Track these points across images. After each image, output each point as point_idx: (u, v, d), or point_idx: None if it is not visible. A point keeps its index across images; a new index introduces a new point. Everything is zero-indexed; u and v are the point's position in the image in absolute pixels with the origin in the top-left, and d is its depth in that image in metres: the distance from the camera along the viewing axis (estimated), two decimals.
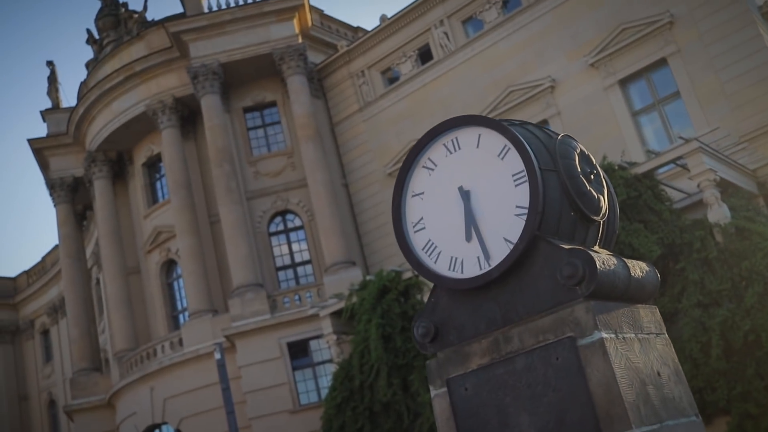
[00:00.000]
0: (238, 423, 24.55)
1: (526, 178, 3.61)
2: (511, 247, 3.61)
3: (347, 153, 33.79)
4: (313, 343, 29.08)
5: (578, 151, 3.81)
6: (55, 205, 40.16)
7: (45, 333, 52.83)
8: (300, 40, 33.40)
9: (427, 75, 31.63)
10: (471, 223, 3.76)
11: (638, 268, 3.79)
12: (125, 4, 38.24)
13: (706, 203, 17.75)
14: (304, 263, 32.46)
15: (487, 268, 3.68)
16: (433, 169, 3.97)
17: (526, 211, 3.59)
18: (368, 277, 23.82)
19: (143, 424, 31.98)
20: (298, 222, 32.91)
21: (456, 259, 3.80)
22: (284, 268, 32.37)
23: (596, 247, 3.87)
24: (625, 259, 3.73)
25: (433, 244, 3.89)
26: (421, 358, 20.37)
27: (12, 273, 63.85)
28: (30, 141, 39.59)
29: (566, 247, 3.53)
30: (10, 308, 54.46)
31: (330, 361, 26.24)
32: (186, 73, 33.12)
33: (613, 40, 26.79)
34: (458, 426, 3.71)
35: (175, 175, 32.80)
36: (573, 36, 27.95)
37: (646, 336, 3.68)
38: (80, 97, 37.57)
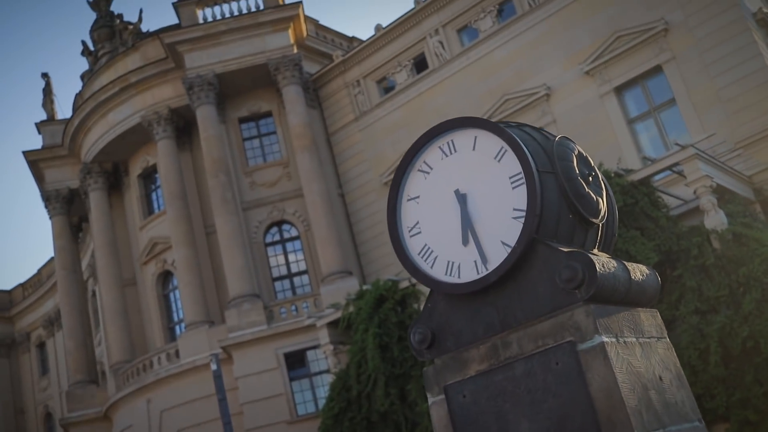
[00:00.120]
0: None
1: (523, 180, 3.55)
2: (509, 250, 3.55)
3: (343, 163, 33.75)
4: (310, 354, 28.99)
5: (576, 152, 3.75)
6: (50, 217, 40.07)
7: (41, 346, 52.65)
8: (295, 51, 33.39)
9: (422, 84, 31.62)
10: (468, 227, 3.70)
11: (638, 271, 3.73)
12: (120, 16, 38.22)
13: (703, 210, 17.71)
14: (300, 273, 32.37)
15: (485, 273, 3.62)
16: (428, 173, 3.91)
17: (523, 213, 3.53)
18: (365, 287, 23.74)
19: None
20: (294, 232, 32.83)
21: (453, 263, 3.74)
22: (281, 278, 32.28)
23: (595, 251, 3.82)
24: (625, 263, 3.67)
25: (429, 248, 3.83)
26: (419, 368, 20.29)
27: (7, 286, 63.55)
28: (25, 153, 39.54)
29: (565, 250, 3.47)
30: (5, 321, 54.28)
31: (327, 371, 26.14)
32: (181, 84, 33.09)
33: (608, 48, 26.80)
34: None
35: (170, 186, 32.73)
36: (568, 44, 27.96)
37: (648, 340, 3.61)
38: (75, 108, 37.51)
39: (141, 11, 37.78)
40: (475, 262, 3.66)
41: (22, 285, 55.21)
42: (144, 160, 35.74)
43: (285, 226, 32.96)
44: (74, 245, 41.32)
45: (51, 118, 41.99)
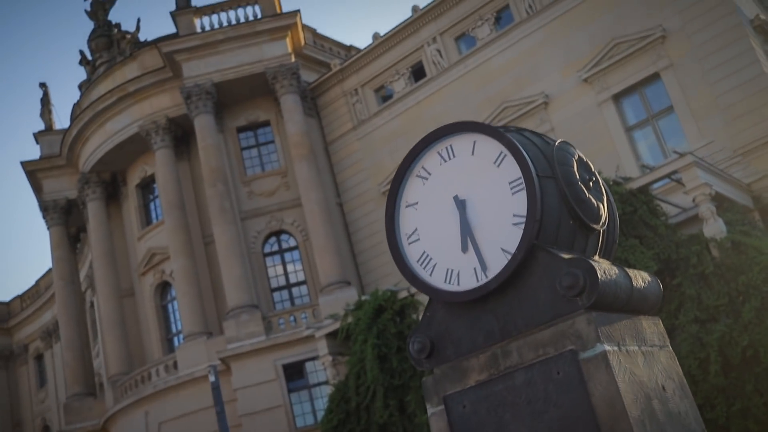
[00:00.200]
0: None
1: (523, 185, 3.49)
2: (509, 257, 3.48)
3: (341, 172, 33.72)
4: (308, 365, 28.90)
5: (576, 157, 3.69)
6: (48, 228, 39.99)
7: (39, 358, 52.49)
8: (293, 59, 33.40)
9: (420, 92, 31.62)
10: (467, 234, 3.63)
11: (640, 278, 3.66)
12: (118, 25, 38.25)
13: (702, 218, 17.65)
14: (299, 284, 32.30)
15: (485, 280, 3.55)
16: (427, 178, 3.85)
17: (523, 219, 3.46)
18: (363, 297, 23.65)
19: None
20: (292, 242, 32.77)
21: (452, 271, 3.66)
22: (279, 288, 32.21)
23: (596, 257, 3.75)
24: (626, 269, 3.60)
25: (428, 255, 3.76)
26: (418, 379, 20.18)
27: (5, 297, 63.36)
28: (23, 163, 39.49)
29: (566, 256, 3.40)
30: (3, 333, 54.11)
31: (326, 382, 26.03)
32: (179, 93, 33.08)
33: (606, 55, 26.81)
34: None
35: (168, 195, 32.68)
36: (566, 51, 27.97)
37: (650, 349, 3.54)
38: (73, 118, 37.49)
39: (139, 21, 37.79)
40: (475, 269, 3.59)
41: (20, 296, 55.06)
42: (142, 169, 35.70)
43: (283, 236, 32.90)
44: (72, 256, 41.24)
45: (49, 128, 41.92)
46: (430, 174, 3.84)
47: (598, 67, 26.91)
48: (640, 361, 3.41)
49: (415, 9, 32.18)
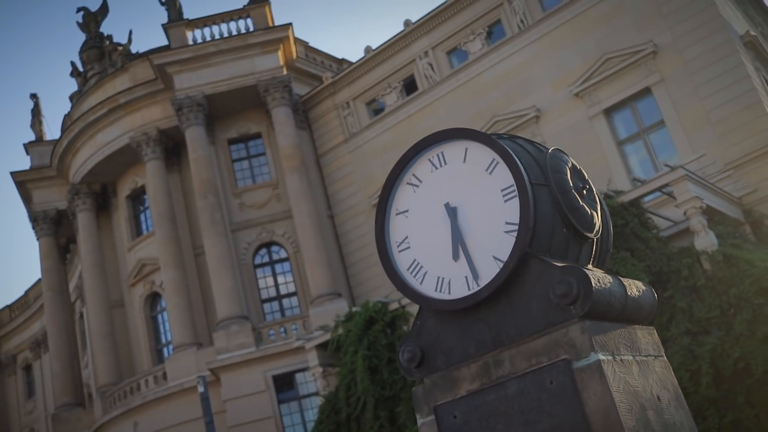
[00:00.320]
0: None
1: (515, 192, 3.44)
2: (501, 265, 3.43)
3: (332, 184, 33.68)
4: (299, 376, 28.79)
5: (570, 165, 3.65)
6: (37, 238, 39.86)
7: (27, 368, 52.22)
8: (285, 72, 33.40)
9: (412, 106, 31.63)
10: (458, 241, 3.58)
11: (635, 287, 3.62)
12: (110, 37, 38.21)
13: (693, 231, 17.66)
14: (289, 295, 32.21)
15: (476, 288, 3.50)
16: (417, 186, 3.80)
17: (516, 227, 3.42)
18: (354, 309, 23.58)
19: None
20: (283, 254, 32.70)
21: (443, 279, 3.61)
22: (269, 300, 32.11)
23: (590, 266, 3.70)
24: (621, 278, 3.56)
25: (418, 263, 3.71)
26: (409, 390, 20.11)
27: None
28: (13, 174, 39.39)
29: (559, 264, 3.35)
30: None
31: (316, 393, 25.93)
32: (170, 105, 33.03)
33: (597, 70, 26.89)
34: None
35: (159, 207, 32.60)
36: (557, 66, 28.03)
37: (645, 358, 3.50)
38: (64, 129, 37.41)
39: (130, 32, 37.73)
40: (466, 277, 3.54)
41: (8, 307, 54.82)
42: (132, 181, 35.61)
43: (274, 248, 32.83)
44: (62, 266, 41.09)
45: (39, 139, 41.83)
46: (421, 181, 3.80)
47: (590, 81, 26.98)
48: (634, 371, 3.36)
49: (407, 23, 32.22)
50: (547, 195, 3.51)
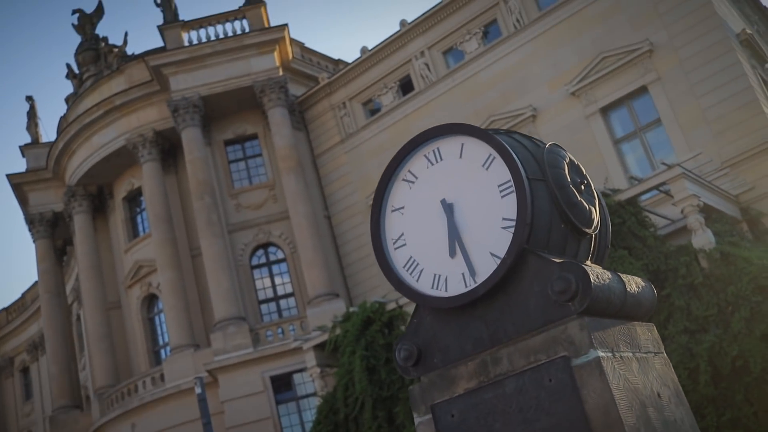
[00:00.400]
0: None
1: (513, 188, 3.40)
2: (498, 262, 3.39)
3: (329, 185, 33.64)
4: (296, 377, 28.75)
5: (567, 160, 3.60)
6: (34, 241, 39.80)
7: (25, 370, 52.14)
8: (281, 73, 33.36)
9: (408, 106, 31.59)
10: (455, 238, 3.53)
11: (634, 283, 3.57)
12: (105, 39, 38.14)
13: (690, 229, 17.63)
14: (286, 296, 32.16)
15: (473, 285, 3.45)
16: (413, 182, 3.76)
17: (513, 223, 3.37)
18: (351, 309, 23.54)
19: None
20: (280, 254, 32.66)
21: (439, 276, 3.57)
22: (267, 301, 32.07)
23: (588, 262, 3.66)
24: (620, 274, 3.51)
25: (414, 261, 3.66)
26: (407, 390, 19.98)
27: None
28: (9, 176, 39.29)
29: (557, 260, 3.31)
30: None
31: (314, 394, 25.87)
32: (166, 107, 32.97)
33: (593, 69, 26.86)
34: None
35: (155, 208, 32.54)
36: (553, 65, 28.01)
37: (644, 355, 3.45)
38: (60, 131, 37.35)
39: (126, 34, 37.66)
40: (463, 274, 3.49)
41: (5, 309, 54.73)
42: (129, 182, 35.55)
43: (271, 249, 32.78)
44: (58, 269, 41.01)
45: (35, 141, 41.74)
46: (416, 178, 3.76)
47: (586, 80, 26.96)
48: (634, 368, 3.32)
49: (403, 23, 32.18)
50: (545, 190, 3.47)
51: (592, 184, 3.70)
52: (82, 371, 39.95)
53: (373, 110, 33.40)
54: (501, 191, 3.46)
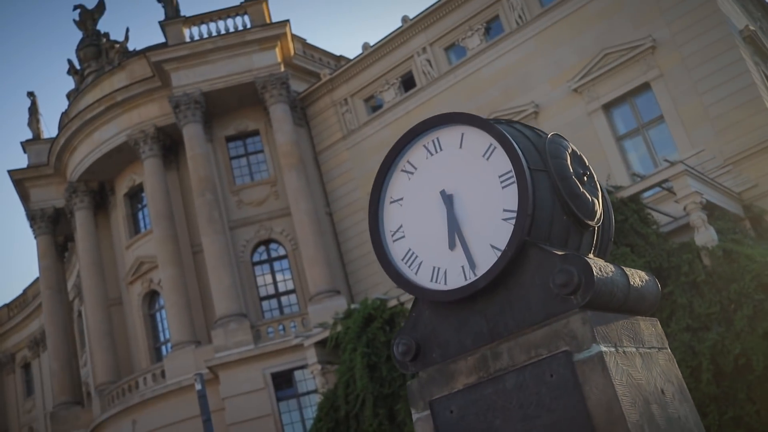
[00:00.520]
0: None
1: (514, 178, 3.32)
2: (499, 254, 3.30)
3: (331, 181, 33.58)
4: (297, 374, 28.71)
5: (570, 150, 3.52)
6: (35, 237, 39.76)
7: (26, 367, 52.16)
8: (282, 69, 33.29)
9: (410, 102, 31.52)
10: (454, 230, 3.45)
11: (638, 277, 3.49)
12: (107, 34, 38.10)
13: (693, 226, 17.55)
14: (288, 293, 32.12)
15: (473, 278, 3.37)
16: (412, 173, 3.68)
17: (514, 214, 3.29)
18: (353, 306, 23.50)
19: None
20: (281, 251, 32.60)
21: (438, 269, 3.49)
22: (268, 297, 32.02)
23: (591, 255, 3.58)
24: (623, 267, 3.44)
25: (413, 253, 3.58)
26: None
27: None
28: (10, 172, 39.26)
29: (559, 253, 3.23)
30: None
31: (315, 391, 25.83)
32: (168, 103, 32.92)
33: (595, 66, 26.79)
34: None
35: (157, 205, 32.50)
36: (556, 62, 27.94)
37: (648, 350, 3.37)
38: (61, 127, 37.31)
39: (127, 30, 37.65)
40: (463, 267, 3.41)
41: (7, 305, 54.75)
42: (130, 179, 35.51)
43: (272, 245, 32.74)
44: (60, 265, 41.00)
45: (37, 137, 41.72)
46: (416, 168, 3.68)
47: (588, 77, 26.88)
48: (638, 363, 3.24)
49: (404, 19, 32.11)
50: (547, 181, 3.39)
51: (594, 176, 3.62)
52: (83, 367, 39.95)
53: (374, 107, 33.35)
54: (502, 182, 3.38)
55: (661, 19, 25.74)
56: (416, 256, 3.58)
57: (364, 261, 31.13)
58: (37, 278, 44.92)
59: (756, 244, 18.10)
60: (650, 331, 3.50)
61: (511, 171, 3.34)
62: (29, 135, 42.49)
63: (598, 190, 3.60)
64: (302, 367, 27.22)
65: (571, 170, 3.45)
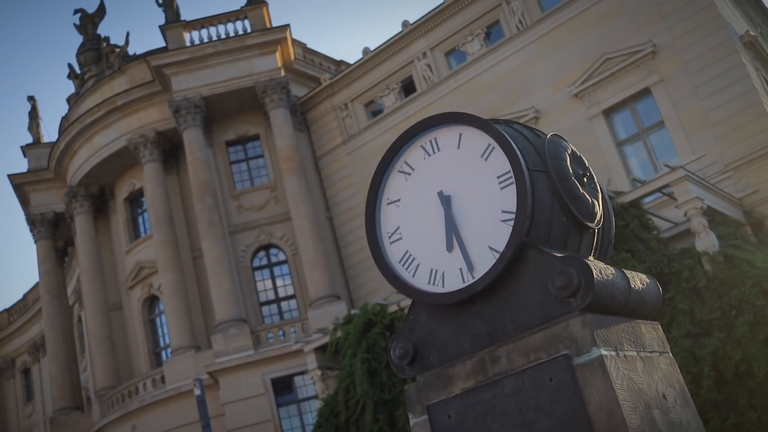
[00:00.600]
0: None
1: (512, 179, 3.27)
2: (497, 256, 3.25)
3: (331, 186, 33.55)
4: (297, 379, 28.65)
5: (569, 151, 3.47)
6: (35, 241, 39.73)
7: (26, 372, 52.10)
8: (283, 74, 33.28)
9: (410, 107, 31.49)
10: (452, 232, 3.40)
11: (638, 279, 3.44)
12: (107, 39, 38.11)
13: (694, 231, 17.50)
14: (288, 298, 32.06)
15: (471, 281, 3.32)
16: (410, 174, 3.63)
17: (513, 216, 3.24)
18: (353, 311, 23.42)
19: None
20: (281, 256, 32.56)
21: (436, 271, 3.44)
22: (268, 303, 31.97)
23: (591, 257, 3.53)
24: (624, 270, 3.38)
25: (410, 255, 3.53)
26: None
27: None
28: (10, 176, 39.24)
29: (558, 255, 3.18)
30: None
31: (315, 397, 25.76)
32: (168, 107, 32.90)
33: (596, 71, 26.76)
34: None
35: (157, 209, 32.46)
36: (556, 67, 27.91)
37: (649, 354, 3.31)
38: (61, 131, 37.30)
39: (128, 34, 37.64)
40: (461, 269, 3.36)
41: (7, 310, 54.71)
42: (130, 183, 35.48)
43: (272, 250, 32.70)
44: (59, 269, 40.95)
45: (37, 142, 41.69)
46: (413, 169, 3.63)
47: (589, 82, 26.85)
48: (639, 368, 3.18)
49: (405, 24, 32.11)
50: (546, 182, 3.34)
51: (595, 177, 3.57)
52: (83, 372, 39.88)
53: (375, 111, 33.33)
54: (500, 183, 3.33)
55: (661, 24, 25.72)
56: (413, 258, 3.53)
57: (365, 266, 31.07)
58: (37, 283, 44.87)
59: (757, 249, 18.03)
60: (651, 335, 3.45)
61: (509, 172, 3.29)
62: (29, 139, 42.44)
63: (598, 191, 3.55)
64: (302, 373, 27.16)
65: (571, 171, 3.40)
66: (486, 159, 3.39)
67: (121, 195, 35.98)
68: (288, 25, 33.47)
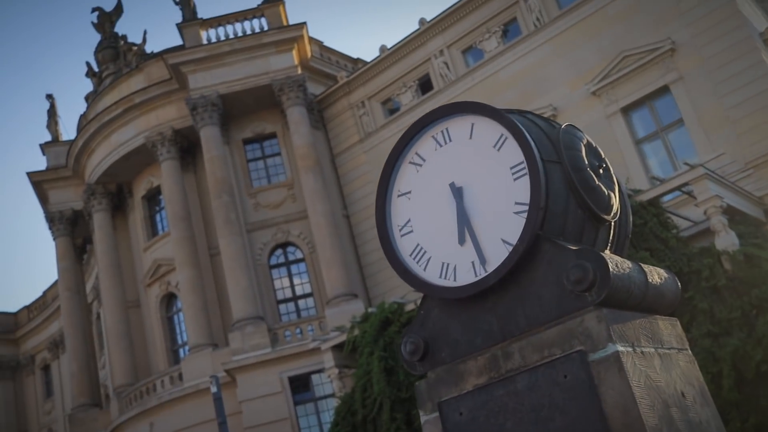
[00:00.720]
0: None
1: (526, 170, 3.18)
2: (510, 249, 3.17)
3: (348, 184, 33.51)
4: (314, 378, 28.62)
5: (585, 142, 3.38)
6: (54, 239, 39.92)
7: (46, 368, 52.39)
8: (299, 71, 33.26)
9: (427, 105, 31.36)
10: (464, 224, 3.32)
11: (656, 274, 3.34)
12: (124, 37, 38.23)
13: (714, 230, 17.33)
14: (305, 296, 32.05)
15: (483, 275, 3.24)
16: (421, 165, 3.55)
17: (526, 207, 3.16)
18: (370, 309, 23.36)
19: None
20: (299, 254, 32.55)
21: (448, 265, 3.36)
22: (285, 300, 31.97)
23: (607, 251, 3.43)
24: (641, 264, 3.28)
25: (422, 248, 3.45)
26: None
27: (13, 308, 63.46)
28: (29, 174, 39.47)
29: (573, 248, 3.09)
30: (10, 343, 54.03)
31: (332, 395, 25.72)
32: (185, 105, 32.94)
33: (614, 68, 26.58)
34: None
35: (174, 207, 32.52)
36: (574, 64, 27.74)
37: (667, 351, 3.22)
38: (79, 129, 37.47)
39: (145, 32, 37.73)
40: (473, 263, 3.28)
41: (27, 307, 55.01)
42: (148, 181, 35.58)
43: (290, 248, 32.69)
44: (78, 267, 41.16)
45: (55, 140, 41.91)
46: (424, 160, 3.55)
47: (607, 79, 26.67)
48: (656, 364, 3.09)
49: (422, 21, 32.03)
50: (560, 173, 3.25)
51: (611, 168, 3.47)
52: (101, 369, 40.07)
53: (392, 109, 33.27)
54: (513, 174, 3.25)
55: (680, 21, 25.51)
56: (425, 252, 3.46)
57: (382, 264, 30.97)
58: (56, 280, 45.08)
59: None
60: (670, 331, 3.35)
61: (523, 162, 3.21)
62: (48, 137, 42.60)
63: (614, 183, 3.45)
64: (319, 371, 27.11)
65: (586, 162, 3.31)
66: (499, 149, 3.31)
67: (139, 193, 36.09)
68: (305, 23, 33.45)
